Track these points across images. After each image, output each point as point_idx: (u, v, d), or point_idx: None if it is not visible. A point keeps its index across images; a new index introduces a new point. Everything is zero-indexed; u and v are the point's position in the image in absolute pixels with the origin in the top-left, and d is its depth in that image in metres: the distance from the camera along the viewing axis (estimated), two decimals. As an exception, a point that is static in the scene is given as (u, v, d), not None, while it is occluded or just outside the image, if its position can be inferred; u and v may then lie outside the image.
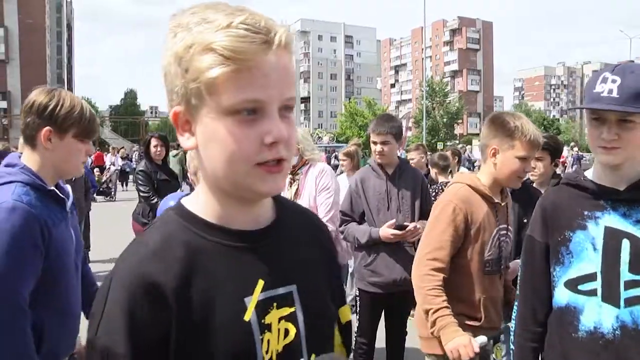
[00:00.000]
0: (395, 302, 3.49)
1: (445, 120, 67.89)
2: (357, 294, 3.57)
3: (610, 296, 1.68)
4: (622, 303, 1.67)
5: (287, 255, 0.97)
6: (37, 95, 1.86)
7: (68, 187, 2.10)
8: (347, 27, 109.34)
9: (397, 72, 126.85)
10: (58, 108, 1.84)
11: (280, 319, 0.92)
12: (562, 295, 1.79)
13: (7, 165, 1.87)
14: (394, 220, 3.31)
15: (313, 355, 0.95)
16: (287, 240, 0.99)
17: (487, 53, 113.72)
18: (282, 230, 0.98)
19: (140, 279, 0.83)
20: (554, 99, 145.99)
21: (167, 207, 4.29)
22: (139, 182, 5.36)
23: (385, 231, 3.27)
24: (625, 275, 1.67)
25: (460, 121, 76.87)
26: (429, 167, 6.23)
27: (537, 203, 1.95)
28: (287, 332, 0.93)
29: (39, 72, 67.92)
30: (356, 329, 3.48)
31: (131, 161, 24.76)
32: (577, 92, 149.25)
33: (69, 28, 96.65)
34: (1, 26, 64.87)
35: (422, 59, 65.32)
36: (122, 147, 28.98)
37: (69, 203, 2.00)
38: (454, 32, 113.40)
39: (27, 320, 1.71)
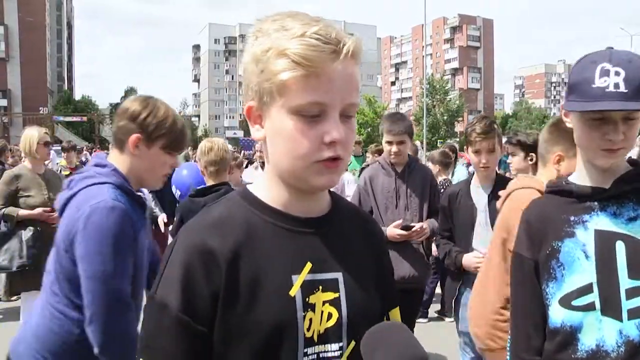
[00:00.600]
0: (402, 300, 3.44)
1: (445, 118, 67.77)
2: None
3: (611, 308, 1.49)
4: (624, 315, 1.47)
5: (336, 245, 1.03)
6: (133, 102, 1.90)
7: (146, 193, 2.10)
8: (347, 25, 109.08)
9: (397, 69, 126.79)
10: (150, 117, 1.85)
11: (324, 302, 0.98)
12: (556, 315, 1.58)
13: (97, 165, 1.89)
14: (401, 221, 3.29)
15: (353, 342, 0.99)
16: (338, 232, 1.05)
17: (488, 51, 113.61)
18: (334, 222, 1.06)
19: (198, 245, 0.93)
20: (554, 97, 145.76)
21: (180, 174, 4.22)
22: None
23: (392, 231, 3.25)
24: (625, 282, 1.48)
25: (460, 119, 76.73)
26: (431, 163, 6.22)
27: (521, 216, 1.76)
28: (330, 315, 0.98)
29: (39, 70, 67.93)
30: None
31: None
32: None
33: (69, 26, 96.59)
34: (1, 24, 64.82)
35: (423, 56, 65.27)
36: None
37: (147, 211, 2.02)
38: (454, 29, 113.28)
39: (134, 316, 1.76)
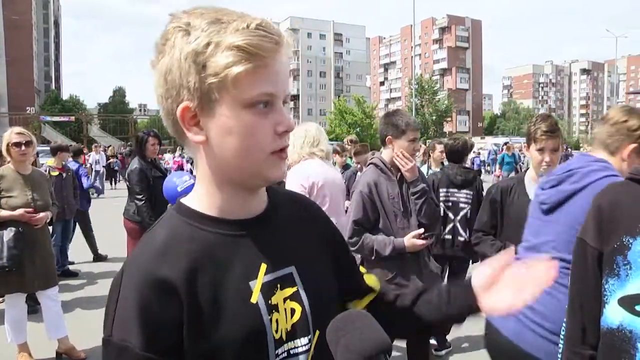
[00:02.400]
0: None
1: (434, 118, 68.10)
2: None
3: None
4: None
5: (283, 238, 1.03)
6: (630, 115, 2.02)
7: None
8: (336, 25, 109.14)
9: (386, 70, 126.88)
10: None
11: (285, 299, 0.98)
12: (614, 314, 1.47)
13: (596, 161, 2.07)
14: (421, 230, 3.09)
15: (317, 331, 1.00)
16: (282, 224, 1.05)
17: (476, 51, 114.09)
18: (276, 216, 1.05)
19: (149, 275, 0.88)
20: (542, 97, 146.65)
21: (171, 184, 4.15)
22: (134, 180, 5.29)
23: (412, 242, 3.06)
24: None
25: (449, 119, 77.11)
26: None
27: (592, 201, 1.66)
28: (293, 311, 0.98)
29: (25, 69, 67.26)
30: None
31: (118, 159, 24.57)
32: (564, 90, 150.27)
33: (57, 24, 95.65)
34: (-13, 23, 64.06)
35: (412, 57, 65.43)
36: (110, 146, 28.69)
37: None
38: (443, 30, 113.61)
39: None
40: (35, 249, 4.21)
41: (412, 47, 64.75)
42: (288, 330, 0.97)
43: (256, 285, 0.94)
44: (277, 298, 0.97)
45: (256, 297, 0.94)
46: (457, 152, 4.92)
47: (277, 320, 0.95)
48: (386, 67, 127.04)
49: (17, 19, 65.10)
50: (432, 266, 3.29)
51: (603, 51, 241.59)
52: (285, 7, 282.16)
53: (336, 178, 3.81)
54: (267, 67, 0.88)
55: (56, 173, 6.98)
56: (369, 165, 3.36)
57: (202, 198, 0.99)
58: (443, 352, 4.75)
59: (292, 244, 1.04)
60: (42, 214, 4.27)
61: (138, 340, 0.85)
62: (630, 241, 1.44)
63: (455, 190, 4.72)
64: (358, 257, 3.28)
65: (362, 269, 1.24)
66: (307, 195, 3.51)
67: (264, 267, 0.96)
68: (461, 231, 4.67)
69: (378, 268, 3.11)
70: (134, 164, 5.45)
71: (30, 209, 4.17)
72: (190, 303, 0.88)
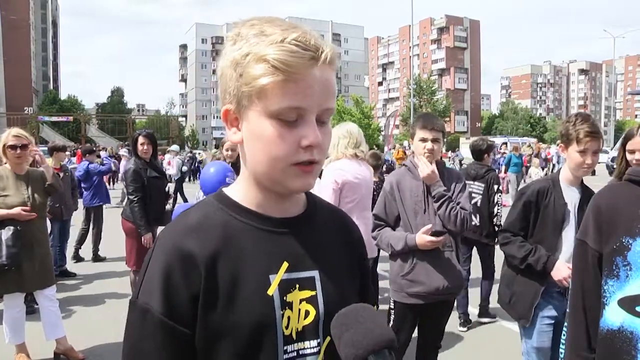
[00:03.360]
0: (431, 312, 3.27)
1: (432, 118, 67.96)
2: (392, 306, 3.32)
3: None
4: None
5: (312, 244, 1.05)
6: None
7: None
8: (334, 25, 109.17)
9: (384, 70, 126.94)
10: None
11: (301, 300, 1.00)
12: (614, 316, 1.45)
13: None
14: (430, 226, 3.07)
15: (328, 338, 1.01)
16: (314, 231, 1.08)
17: (475, 51, 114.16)
18: (309, 222, 1.08)
19: (177, 249, 0.94)
20: (540, 97, 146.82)
21: (208, 172, 4.10)
22: (128, 180, 5.31)
23: (422, 238, 3.04)
24: None
25: (447, 119, 77.03)
26: None
27: (590, 202, 1.65)
28: (307, 313, 1.01)
29: (23, 69, 67.15)
30: None
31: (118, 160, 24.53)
32: (563, 91, 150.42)
33: (55, 25, 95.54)
34: (-16, 23, 63.92)
35: (410, 57, 65.42)
36: (103, 148, 28.50)
37: None
38: (441, 30, 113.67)
39: None
40: (34, 248, 4.20)
41: (410, 47, 64.73)
42: (299, 330, 1.00)
43: (275, 279, 0.98)
44: (293, 297, 1.00)
45: (272, 290, 0.97)
46: (480, 151, 5.76)
47: (288, 318, 0.98)
48: (384, 67, 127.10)
49: (15, 19, 64.96)
50: (457, 268, 3.23)
51: (601, 51, 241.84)
52: (284, 8, 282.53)
53: (367, 177, 4.26)
54: (297, 81, 0.90)
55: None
56: (401, 166, 3.49)
57: (241, 191, 1.04)
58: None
59: (321, 250, 1.07)
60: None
61: (158, 305, 0.92)
62: (630, 242, 1.43)
63: (470, 181, 5.43)
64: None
65: None
66: (338, 190, 4.07)
67: (285, 264, 1.00)
68: (472, 216, 4.87)
69: (397, 258, 3.22)
70: (129, 164, 5.48)
71: (26, 207, 4.17)
72: (209, 281, 0.93)
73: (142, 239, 5.21)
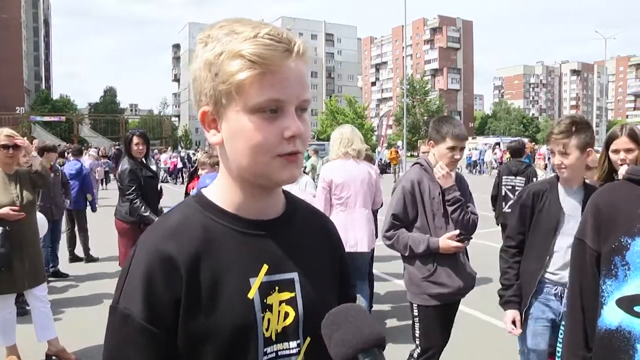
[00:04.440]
0: (446, 312, 3.28)
1: (425, 118, 68.21)
2: (416, 313, 3.24)
3: None
4: None
5: (291, 245, 1.06)
6: None
7: None
8: (327, 25, 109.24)
9: (377, 70, 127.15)
10: None
11: (281, 302, 1.01)
12: (612, 316, 1.44)
13: None
14: (457, 232, 3.10)
15: (308, 339, 1.04)
16: (293, 232, 1.08)
17: (467, 52, 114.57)
18: (289, 223, 1.08)
19: (158, 252, 0.94)
20: (533, 98, 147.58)
21: (203, 185, 4.29)
22: (126, 180, 5.25)
23: (447, 242, 3.06)
24: None
25: (440, 119, 77.11)
26: None
27: (589, 201, 1.64)
28: (286, 314, 1.02)
29: (15, 68, 66.74)
30: (419, 352, 3.27)
31: (110, 160, 24.45)
32: (555, 91, 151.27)
33: (46, 24, 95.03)
34: (-25, 22, 63.48)
35: (403, 57, 65.50)
36: (91, 148, 28.28)
37: None
38: (434, 30, 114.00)
39: None
40: (24, 247, 4.15)
41: (403, 47, 64.79)
42: (279, 331, 1.01)
43: (255, 282, 0.99)
44: (273, 299, 1.00)
45: (253, 293, 0.98)
46: (517, 150, 7.17)
47: (269, 320, 0.99)
48: (378, 67, 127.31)
49: (6, 17, 64.55)
50: (469, 269, 3.28)
51: (593, 52, 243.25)
52: (277, 8, 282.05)
53: (360, 174, 4.52)
54: (274, 74, 0.91)
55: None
56: (414, 164, 3.42)
57: (221, 193, 1.05)
58: None
59: (300, 252, 1.07)
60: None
61: (139, 310, 0.91)
62: (629, 241, 1.42)
63: (513, 177, 6.73)
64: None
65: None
66: (327, 188, 4.44)
67: (265, 267, 1.00)
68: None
69: (415, 261, 3.17)
70: (124, 164, 5.41)
71: (15, 207, 4.13)
72: (190, 284, 0.94)
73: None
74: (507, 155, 8.97)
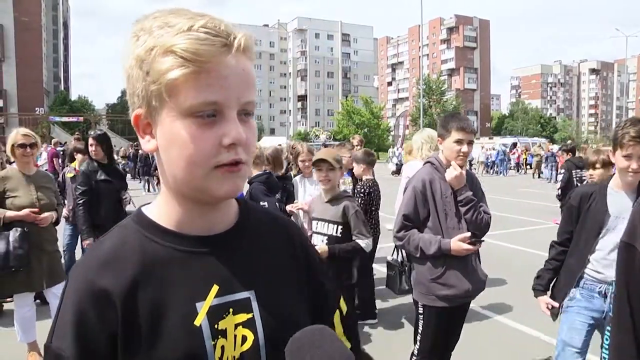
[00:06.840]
0: (453, 315, 3.26)
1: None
2: (421, 311, 3.22)
3: None
4: None
5: (246, 260, 0.96)
6: None
7: None
8: (344, 25, 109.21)
9: (394, 70, 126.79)
10: None
11: (236, 326, 0.91)
12: None
13: None
14: (468, 234, 3.06)
15: None
16: (248, 245, 0.98)
17: (484, 51, 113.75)
18: (242, 237, 0.98)
19: (89, 286, 0.85)
20: (550, 97, 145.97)
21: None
22: (77, 182, 5.24)
23: (458, 245, 3.02)
24: None
25: (457, 119, 76.65)
26: (355, 163, 5.75)
27: (636, 204, 1.56)
28: (244, 339, 0.91)
29: (35, 70, 67.64)
30: (418, 349, 3.27)
31: (130, 160, 24.69)
32: (573, 90, 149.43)
33: (65, 26, 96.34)
34: (-3, 24, 64.55)
35: (419, 57, 65.28)
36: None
37: None
38: (451, 30, 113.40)
39: None
40: (42, 248, 4.23)
41: (419, 47, 64.59)
42: (236, 358, 0.90)
43: (203, 307, 0.88)
44: (227, 323, 0.90)
45: (200, 319, 0.87)
46: (573, 149, 10.13)
47: (222, 347, 0.89)
48: (394, 67, 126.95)
49: (27, 21, 65.53)
50: (480, 272, 3.24)
51: (613, 51, 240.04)
52: (293, 8, 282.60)
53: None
54: (210, 72, 0.81)
55: (72, 175, 6.91)
56: (425, 163, 3.37)
57: (162, 209, 0.94)
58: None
59: (256, 267, 0.96)
60: (46, 214, 4.29)
61: (71, 350, 0.83)
62: None
63: (579, 170, 7.99)
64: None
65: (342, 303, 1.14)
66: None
67: (215, 288, 0.90)
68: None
69: (426, 261, 3.14)
70: (82, 166, 5.38)
71: (35, 209, 4.20)
72: (127, 318, 0.84)
73: (82, 244, 5.15)
74: (565, 155, 10.89)
